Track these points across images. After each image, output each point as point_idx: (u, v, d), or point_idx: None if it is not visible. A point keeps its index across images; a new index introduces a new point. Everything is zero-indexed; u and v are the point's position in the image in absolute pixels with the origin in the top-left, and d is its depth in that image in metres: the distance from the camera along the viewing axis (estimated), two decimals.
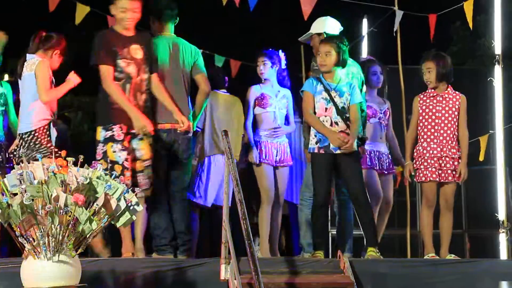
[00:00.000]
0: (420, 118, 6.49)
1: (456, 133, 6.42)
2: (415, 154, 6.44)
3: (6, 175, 4.13)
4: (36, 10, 8.55)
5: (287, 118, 7.32)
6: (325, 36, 6.83)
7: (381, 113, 7.24)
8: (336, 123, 6.32)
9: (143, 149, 6.11)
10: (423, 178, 6.38)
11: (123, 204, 4.22)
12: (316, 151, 6.33)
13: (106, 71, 6.04)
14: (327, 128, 6.29)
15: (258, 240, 7.19)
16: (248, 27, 14.51)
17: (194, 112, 6.66)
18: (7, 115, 6.75)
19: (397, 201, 7.31)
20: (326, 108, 6.34)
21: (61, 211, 4.01)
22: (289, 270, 5.57)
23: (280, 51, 7.31)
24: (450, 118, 6.43)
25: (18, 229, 4.03)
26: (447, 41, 14.28)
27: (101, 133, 6.06)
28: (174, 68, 6.48)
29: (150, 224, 6.27)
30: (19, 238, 4.05)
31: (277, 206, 7.24)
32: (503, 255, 7.46)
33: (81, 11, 8.02)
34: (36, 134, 6.10)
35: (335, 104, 6.33)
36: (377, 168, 7.11)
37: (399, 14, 8.05)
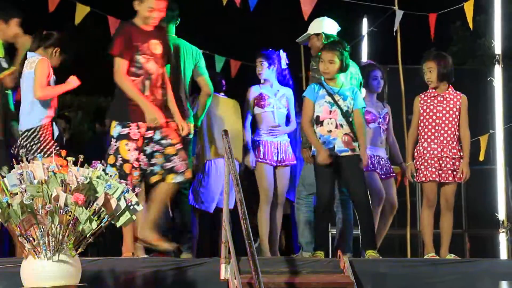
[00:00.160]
0: (421, 118, 6.47)
1: (456, 133, 6.42)
2: (416, 154, 6.43)
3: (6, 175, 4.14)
4: (36, 10, 8.55)
5: (288, 117, 7.31)
6: (323, 36, 6.83)
7: (380, 118, 7.18)
8: (341, 125, 6.30)
9: (169, 134, 5.99)
10: (423, 178, 6.37)
11: (123, 204, 4.22)
12: None
13: (120, 64, 5.92)
14: (320, 144, 6.27)
15: (258, 240, 7.19)
16: (248, 27, 14.53)
17: (196, 114, 6.65)
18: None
19: (397, 201, 7.30)
20: (330, 111, 6.32)
21: (61, 210, 4.01)
22: (289, 270, 5.56)
23: (281, 50, 7.29)
24: (450, 118, 6.42)
25: (18, 228, 4.03)
26: (447, 41, 14.30)
27: (115, 128, 5.92)
28: (175, 69, 6.47)
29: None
30: (19, 237, 4.06)
31: (277, 207, 7.23)
32: (503, 255, 7.45)
33: (81, 11, 8.02)
34: (40, 131, 6.12)
35: (339, 107, 6.32)
36: (378, 172, 7.09)
37: (399, 13, 8.05)
